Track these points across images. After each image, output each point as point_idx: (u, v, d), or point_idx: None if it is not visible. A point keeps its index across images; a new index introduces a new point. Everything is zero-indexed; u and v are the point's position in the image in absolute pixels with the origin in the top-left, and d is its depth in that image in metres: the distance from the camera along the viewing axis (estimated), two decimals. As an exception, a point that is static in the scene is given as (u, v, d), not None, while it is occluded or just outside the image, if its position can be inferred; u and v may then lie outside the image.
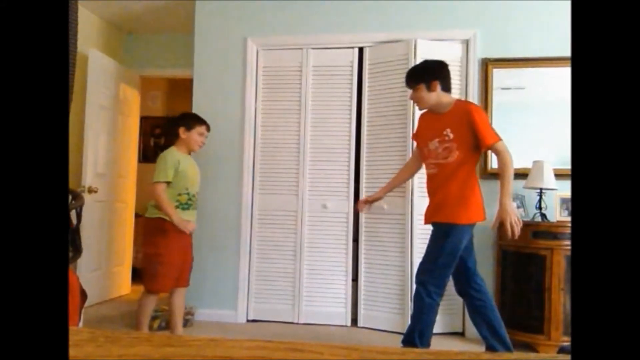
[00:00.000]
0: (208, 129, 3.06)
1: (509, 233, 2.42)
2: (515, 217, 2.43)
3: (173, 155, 2.91)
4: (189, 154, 3.04)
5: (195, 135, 2.98)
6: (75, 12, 2.36)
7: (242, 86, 3.79)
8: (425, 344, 2.58)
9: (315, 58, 3.74)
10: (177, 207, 2.86)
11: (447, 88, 2.67)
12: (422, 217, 2.80)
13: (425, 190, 2.77)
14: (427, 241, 2.66)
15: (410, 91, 2.75)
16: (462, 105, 2.63)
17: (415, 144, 2.97)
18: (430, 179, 2.70)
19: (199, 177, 3.07)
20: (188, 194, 2.91)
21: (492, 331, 2.61)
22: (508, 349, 2.62)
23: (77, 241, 2.30)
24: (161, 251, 2.81)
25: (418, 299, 2.57)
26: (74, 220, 2.43)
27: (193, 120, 3.02)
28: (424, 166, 2.79)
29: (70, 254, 2.22)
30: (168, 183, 2.84)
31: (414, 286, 2.66)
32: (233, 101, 3.78)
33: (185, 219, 2.86)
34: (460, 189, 2.55)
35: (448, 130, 2.56)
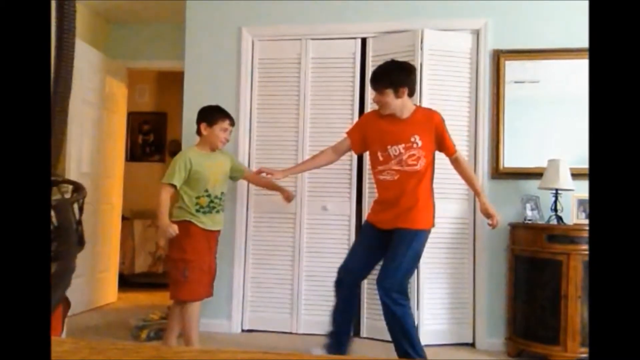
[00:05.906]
0: (232, 123, 3.01)
1: (495, 224, 2.80)
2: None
3: (184, 156, 2.87)
4: (214, 151, 2.97)
5: (217, 131, 2.91)
6: (73, 9, 2.40)
7: (237, 79, 3.79)
8: (420, 351, 2.65)
9: (315, 49, 3.74)
10: (197, 210, 2.83)
11: (412, 94, 2.79)
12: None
13: (378, 195, 2.86)
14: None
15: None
16: (427, 113, 2.79)
17: (347, 139, 2.97)
18: (388, 185, 2.77)
19: (226, 174, 3.02)
20: (209, 195, 2.87)
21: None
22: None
23: (81, 233, 2.47)
24: (188, 256, 2.79)
25: (388, 312, 2.65)
26: (77, 213, 2.55)
27: (215, 115, 2.95)
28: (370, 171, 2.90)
29: (77, 247, 2.38)
30: (174, 186, 2.80)
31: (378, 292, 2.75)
32: (227, 95, 3.78)
33: (204, 223, 2.85)
34: (424, 195, 2.74)
35: (416, 137, 2.69)
